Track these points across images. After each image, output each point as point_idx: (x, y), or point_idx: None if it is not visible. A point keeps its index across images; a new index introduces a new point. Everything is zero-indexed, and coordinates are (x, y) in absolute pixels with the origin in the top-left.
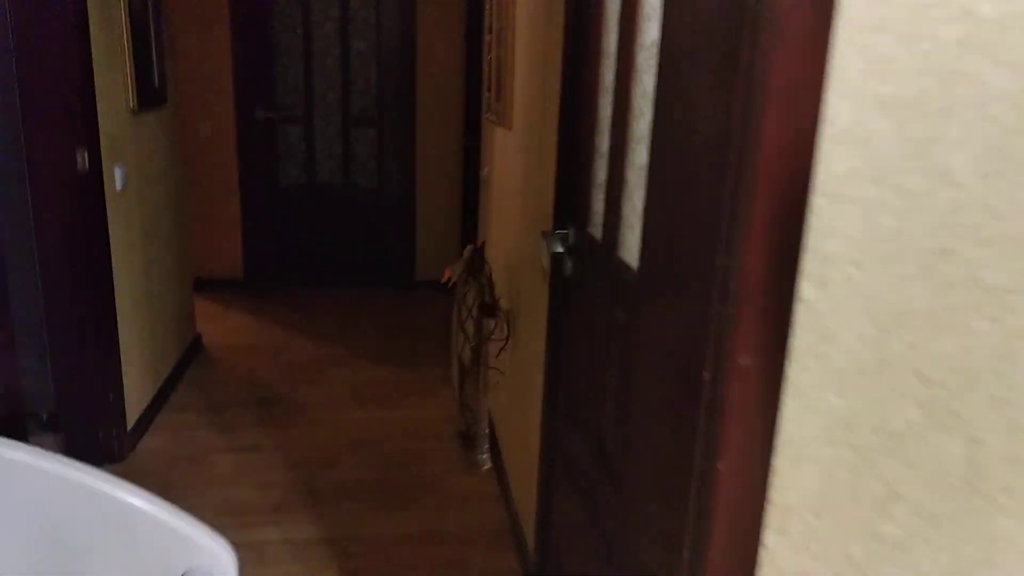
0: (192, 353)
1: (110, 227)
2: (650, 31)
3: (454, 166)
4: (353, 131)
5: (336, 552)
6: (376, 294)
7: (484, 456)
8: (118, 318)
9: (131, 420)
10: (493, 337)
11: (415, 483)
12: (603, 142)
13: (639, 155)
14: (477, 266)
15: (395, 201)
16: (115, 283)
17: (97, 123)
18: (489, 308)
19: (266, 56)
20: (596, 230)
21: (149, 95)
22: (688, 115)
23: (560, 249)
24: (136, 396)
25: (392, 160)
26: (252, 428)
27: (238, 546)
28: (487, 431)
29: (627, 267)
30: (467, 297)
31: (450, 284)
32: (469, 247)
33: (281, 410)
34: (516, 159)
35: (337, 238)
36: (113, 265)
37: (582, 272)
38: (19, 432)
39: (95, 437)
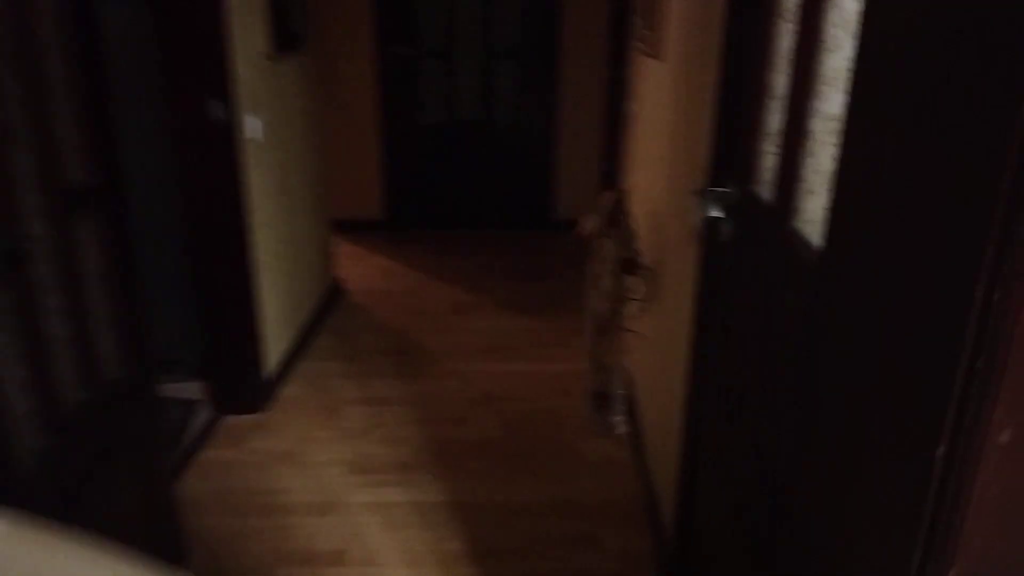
0: (333, 298)
1: (247, 177)
2: None
3: (598, 100)
4: (495, 66)
5: (463, 519)
6: (514, 235)
7: (619, 419)
8: (258, 269)
9: (270, 369)
10: (633, 297)
11: (545, 445)
12: (779, 81)
13: (830, 102)
14: (617, 217)
15: (535, 138)
16: (253, 234)
17: (230, 72)
18: (630, 265)
19: None
20: (764, 189)
21: (287, 40)
22: (933, 56)
23: (716, 213)
24: (275, 345)
25: (533, 95)
26: (386, 378)
27: (367, 506)
28: (622, 392)
29: (805, 242)
30: (604, 250)
31: (585, 236)
32: (608, 194)
33: (415, 360)
34: (667, 96)
35: (476, 177)
36: (251, 215)
37: (743, 239)
38: (167, 378)
39: (236, 388)
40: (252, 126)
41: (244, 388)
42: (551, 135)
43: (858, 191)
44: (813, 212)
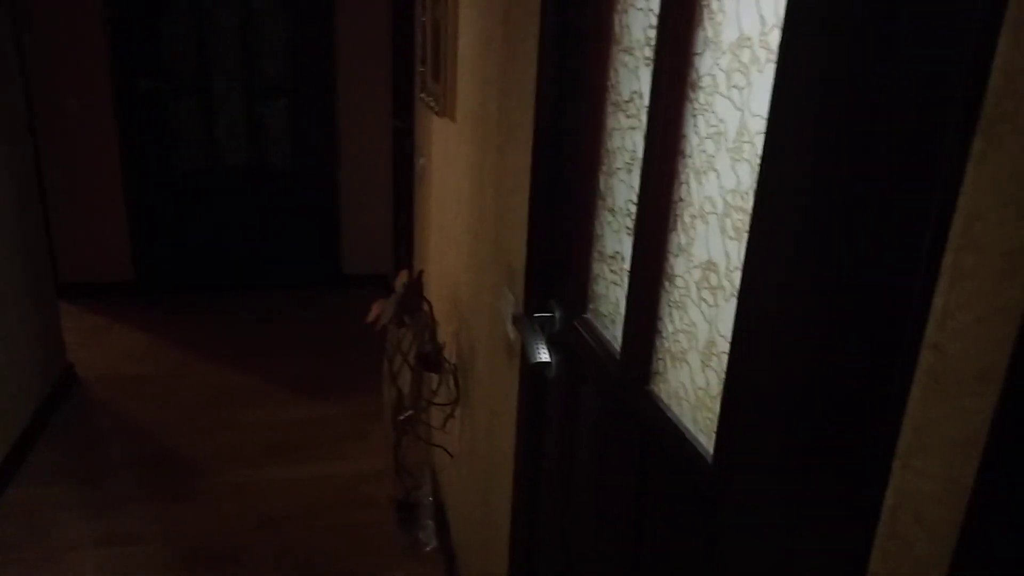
0: (61, 392)
1: None
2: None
3: (383, 147)
4: (262, 105)
5: None
6: (297, 294)
7: (428, 532)
8: None
9: None
10: (436, 400)
11: None
12: (615, 190)
13: (699, 241)
14: (414, 304)
15: (315, 185)
16: None
17: None
18: (430, 360)
19: (148, 12)
20: (603, 324)
21: None
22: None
23: (542, 355)
24: None
25: (310, 137)
26: (133, 505)
27: None
28: (430, 499)
29: (669, 424)
30: (402, 342)
31: (378, 327)
32: (403, 276)
33: (172, 474)
34: (463, 164)
35: (248, 229)
36: None
37: (576, 383)
38: None
39: None
40: None
41: None
42: (333, 183)
43: (764, 391)
44: (685, 387)
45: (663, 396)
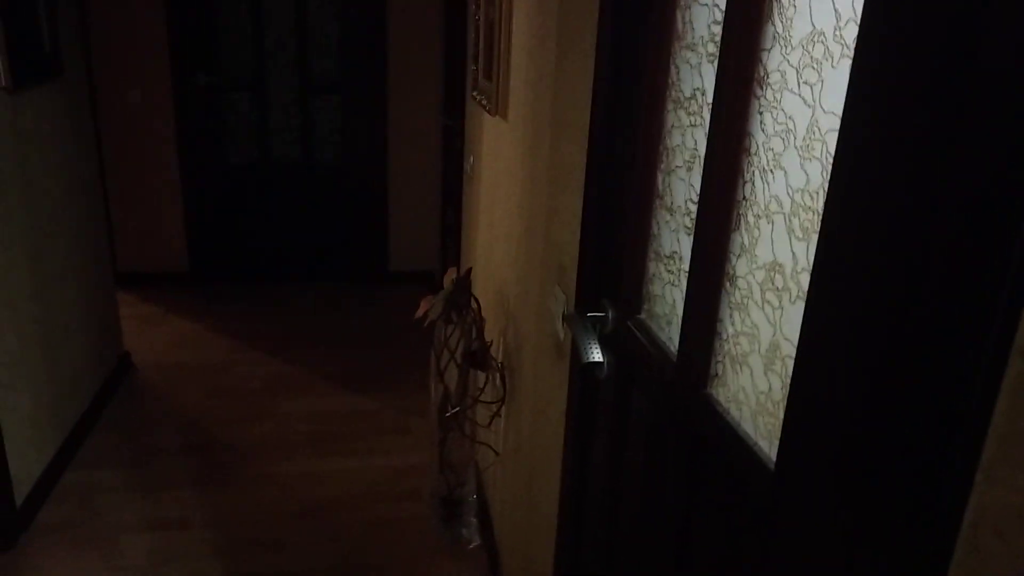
0: (117, 378)
1: None
2: None
3: (432, 146)
4: (313, 101)
5: None
6: (344, 289)
7: (471, 530)
8: None
9: (22, 491)
10: (483, 398)
11: (380, 572)
12: (674, 188)
13: (766, 243)
14: (462, 301)
15: (364, 181)
16: None
17: None
18: (478, 358)
19: (206, 9)
20: (659, 326)
21: (32, 66)
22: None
23: (595, 355)
24: (30, 456)
25: (360, 133)
26: (182, 490)
27: None
28: (474, 496)
29: (728, 428)
30: (449, 339)
31: (426, 323)
32: (451, 273)
33: (220, 460)
34: (514, 160)
35: (297, 223)
36: None
37: (628, 384)
38: None
39: None
40: None
41: None
42: (382, 180)
43: (833, 401)
44: (746, 391)
45: (721, 400)
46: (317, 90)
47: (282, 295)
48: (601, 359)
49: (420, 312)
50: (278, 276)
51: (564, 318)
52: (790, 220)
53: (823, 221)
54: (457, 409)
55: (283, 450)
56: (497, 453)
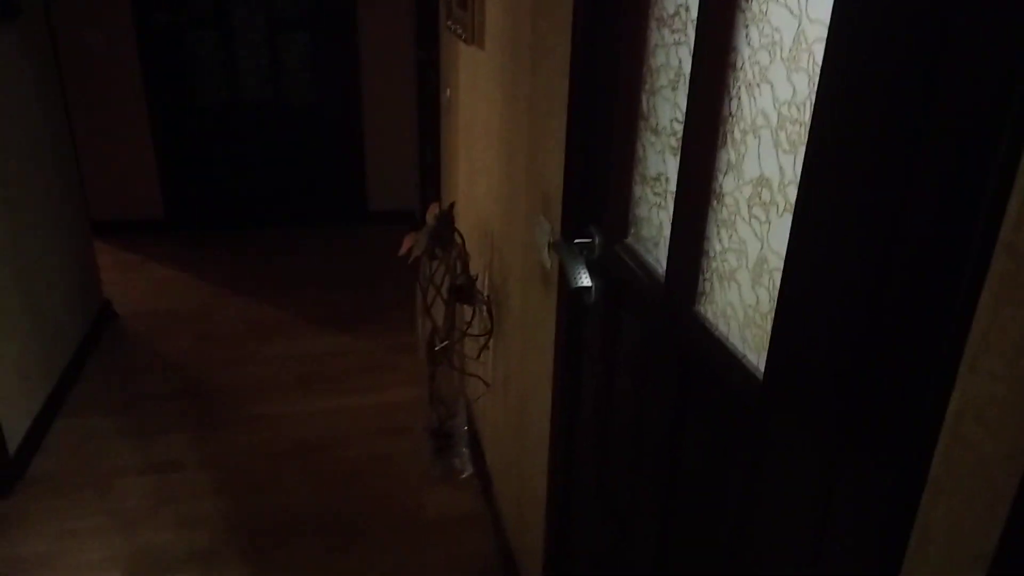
0: (100, 327)
1: None
2: None
3: (407, 78)
4: (282, 39)
5: None
6: (324, 231)
7: (463, 460)
8: None
9: (14, 441)
10: (470, 331)
11: (377, 505)
12: (659, 109)
13: (752, 158)
14: (445, 236)
15: (338, 119)
16: None
17: None
18: (464, 292)
19: None
20: (646, 248)
21: None
22: None
23: (583, 280)
24: (19, 406)
25: (331, 70)
26: (172, 433)
27: None
28: (465, 428)
29: (717, 343)
30: (434, 275)
31: (411, 260)
32: (433, 208)
33: (207, 404)
34: (494, 92)
35: (272, 165)
36: None
37: (616, 308)
38: None
39: None
40: None
41: None
42: (356, 117)
43: (820, 299)
44: (734, 306)
45: (709, 316)
46: (284, 26)
47: (261, 239)
48: (589, 284)
49: (404, 249)
50: (256, 220)
51: (551, 246)
52: (777, 134)
53: (811, 130)
54: (445, 343)
55: (272, 391)
56: (487, 384)
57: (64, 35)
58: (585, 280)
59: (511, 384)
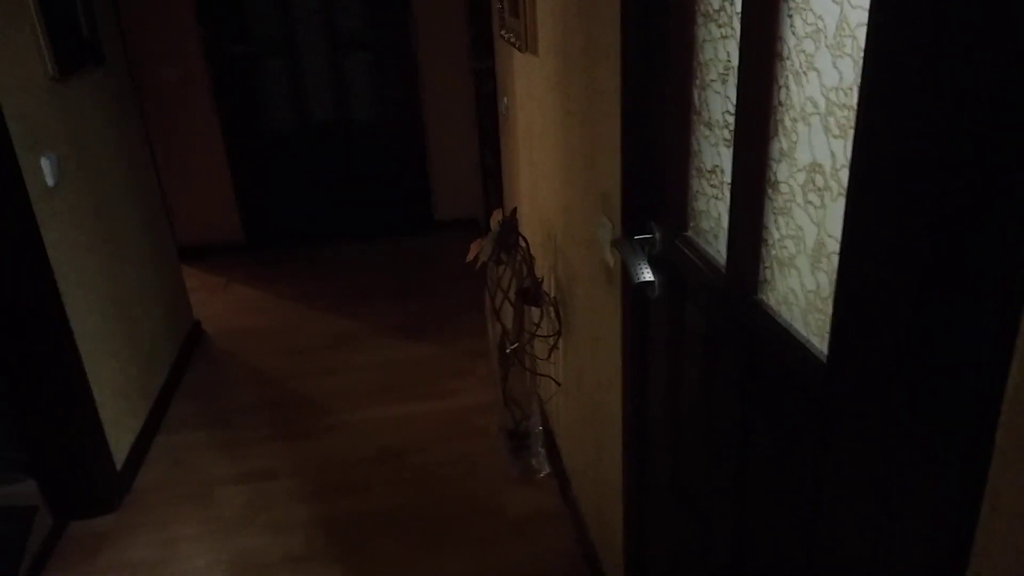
0: (191, 346)
1: (47, 234)
2: None
3: (465, 91)
4: (344, 59)
5: None
6: (392, 243)
7: (540, 459)
8: (82, 340)
9: (120, 457)
10: (539, 332)
11: (459, 504)
12: (710, 102)
13: (803, 144)
14: (510, 241)
15: (400, 135)
16: (67, 300)
17: None
18: (531, 294)
19: None
20: (706, 240)
21: (76, 53)
22: None
23: (646, 275)
24: (123, 424)
25: (393, 87)
26: (265, 444)
27: None
28: (540, 428)
29: (780, 329)
30: (501, 279)
31: (478, 265)
32: (497, 214)
33: (296, 414)
34: (551, 98)
35: (341, 183)
36: (61, 279)
37: (680, 299)
38: None
39: (78, 486)
40: (47, 169)
41: (88, 485)
42: (419, 131)
43: (879, 279)
44: (795, 292)
45: (772, 304)
46: (347, 48)
47: (335, 255)
48: (652, 278)
49: (471, 255)
50: (329, 236)
51: (613, 243)
52: (826, 120)
53: (858, 115)
54: (516, 345)
55: (354, 400)
56: (558, 384)
57: (142, 73)
58: (647, 275)
59: (582, 382)
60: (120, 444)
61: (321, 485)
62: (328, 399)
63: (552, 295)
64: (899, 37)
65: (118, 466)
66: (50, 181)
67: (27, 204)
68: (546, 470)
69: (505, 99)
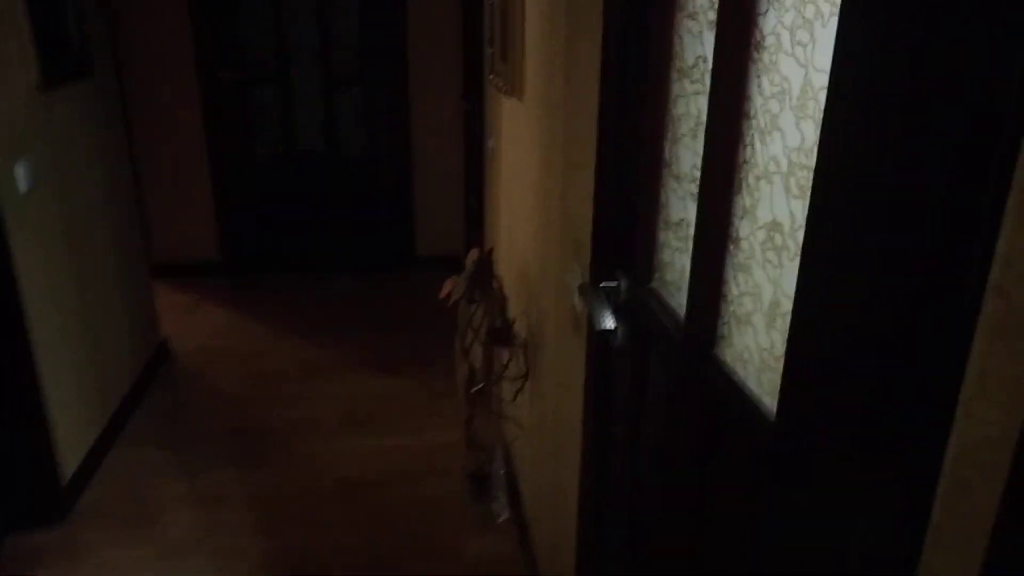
0: (156, 364)
1: (13, 240)
2: None
3: (455, 131)
4: (335, 92)
5: None
6: (372, 276)
7: (500, 504)
8: (37, 350)
9: (70, 468)
10: (507, 374)
11: (417, 545)
12: (680, 156)
13: (764, 203)
14: (485, 279)
15: (387, 170)
16: (30, 307)
17: None
18: (501, 335)
19: (229, 6)
20: (669, 292)
21: (63, 65)
22: None
23: (607, 322)
24: (75, 436)
25: (383, 123)
26: (221, 470)
27: None
28: (502, 472)
29: (734, 386)
30: (473, 318)
31: (450, 303)
32: (473, 254)
33: (257, 441)
34: (532, 142)
35: (325, 213)
36: (24, 286)
37: (642, 351)
38: None
39: (21, 496)
40: (20, 175)
41: (32, 496)
42: (406, 168)
43: (829, 349)
44: (750, 350)
45: (728, 360)
46: (339, 82)
47: (312, 283)
48: (613, 326)
49: (444, 292)
50: (308, 265)
51: (579, 289)
52: (787, 180)
53: (814, 177)
54: (482, 385)
55: (318, 431)
56: (522, 428)
57: (134, 91)
58: (609, 322)
59: (546, 428)
60: (71, 457)
61: (274, 515)
62: (291, 428)
63: (523, 337)
64: (856, 103)
65: (65, 479)
66: (23, 187)
67: None
68: (506, 515)
69: (491, 140)
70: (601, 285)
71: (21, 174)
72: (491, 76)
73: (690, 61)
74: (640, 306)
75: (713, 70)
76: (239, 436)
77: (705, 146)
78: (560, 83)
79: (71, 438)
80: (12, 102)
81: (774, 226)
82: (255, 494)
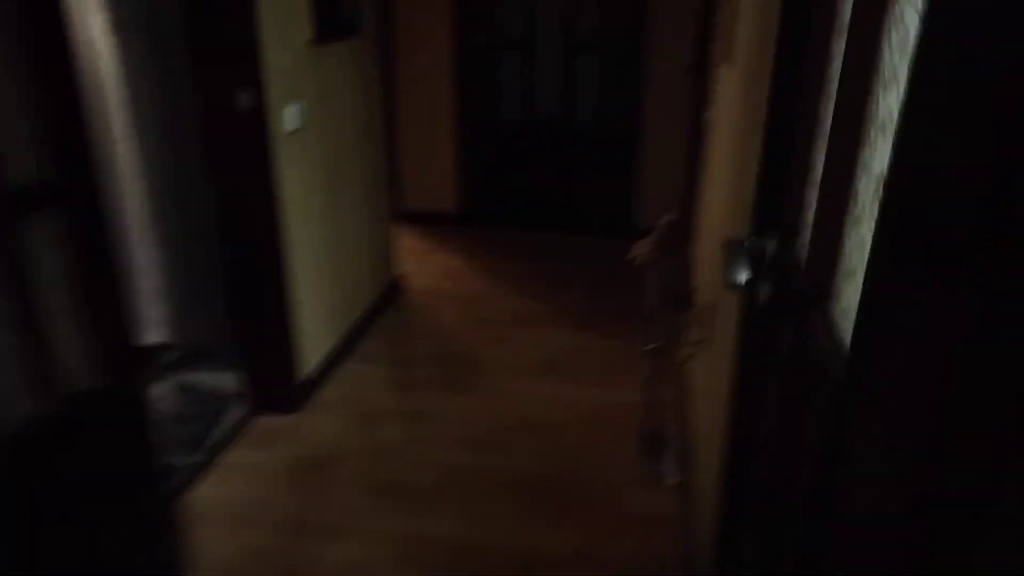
0: (389, 296)
1: (280, 170)
2: None
3: (683, 103)
4: (577, 60)
5: (478, 561)
6: (591, 241)
7: (671, 466)
8: (293, 268)
9: (309, 370)
10: (686, 339)
11: (583, 488)
12: (827, 112)
13: (880, 154)
14: (672, 245)
15: (617, 140)
16: (287, 231)
17: (263, 59)
18: (680, 300)
19: None
20: (803, 252)
21: (333, 26)
22: None
23: (740, 277)
24: (316, 345)
25: (615, 93)
26: (430, 391)
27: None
28: (675, 435)
29: (835, 341)
30: (658, 281)
31: (636, 265)
32: (664, 218)
33: (464, 373)
34: (735, 107)
35: (555, 177)
36: (285, 211)
37: (780, 310)
38: (205, 366)
39: (272, 387)
40: (290, 116)
41: (279, 388)
42: (634, 138)
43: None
44: (849, 300)
45: (835, 317)
46: (580, 50)
47: (537, 240)
48: (743, 281)
49: (632, 254)
50: (535, 223)
51: (724, 245)
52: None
53: (897, 128)
54: (656, 346)
55: (516, 372)
56: (697, 392)
57: (396, 52)
58: (741, 278)
59: (714, 394)
60: (310, 361)
61: (466, 436)
62: (496, 366)
63: (705, 303)
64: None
65: (305, 377)
66: (291, 125)
67: (270, 142)
68: (675, 478)
69: (709, 112)
70: (745, 243)
71: (293, 114)
72: (715, 44)
73: (846, 19)
74: (783, 265)
75: (850, 22)
76: (448, 366)
77: (836, 98)
78: (756, 48)
79: (311, 345)
80: (293, 54)
81: (883, 178)
82: (454, 415)
